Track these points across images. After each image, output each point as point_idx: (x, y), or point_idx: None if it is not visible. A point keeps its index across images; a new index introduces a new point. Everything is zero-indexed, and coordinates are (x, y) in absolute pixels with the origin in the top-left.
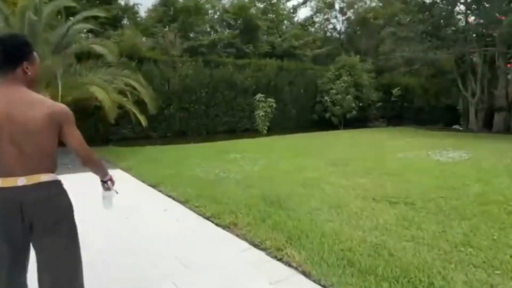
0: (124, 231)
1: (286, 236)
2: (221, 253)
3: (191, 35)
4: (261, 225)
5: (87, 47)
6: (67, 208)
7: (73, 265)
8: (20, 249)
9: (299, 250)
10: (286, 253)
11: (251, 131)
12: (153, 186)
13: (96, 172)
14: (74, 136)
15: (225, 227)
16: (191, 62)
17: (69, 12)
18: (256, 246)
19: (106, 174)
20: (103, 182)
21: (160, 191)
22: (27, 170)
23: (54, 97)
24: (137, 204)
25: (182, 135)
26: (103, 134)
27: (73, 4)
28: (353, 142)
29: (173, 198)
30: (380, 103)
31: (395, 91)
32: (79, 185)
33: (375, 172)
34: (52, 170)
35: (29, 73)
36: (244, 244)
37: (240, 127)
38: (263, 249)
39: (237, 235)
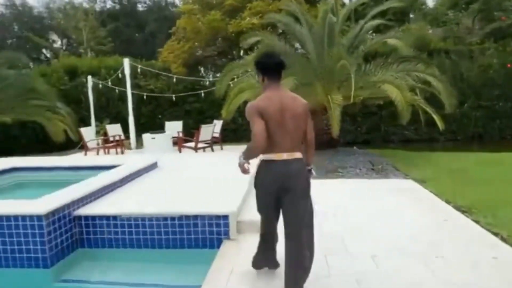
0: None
1: None
2: None
3: (496, 14)
4: None
5: (376, 44)
6: (309, 182)
7: (312, 228)
8: (277, 205)
9: None
10: None
11: None
12: (463, 211)
13: (309, 158)
14: (311, 125)
15: None
16: (496, 49)
17: (358, 15)
18: None
19: (311, 163)
20: (308, 170)
21: (476, 221)
22: (290, 147)
23: (346, 98)
24: (439, 239)
25: (476, 139)
26: (384, 134)
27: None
28: None
29: (501, 237)
30: None
31: None
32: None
33: None
34: (301, 150)
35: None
36: None
37: None
38: None
39: None
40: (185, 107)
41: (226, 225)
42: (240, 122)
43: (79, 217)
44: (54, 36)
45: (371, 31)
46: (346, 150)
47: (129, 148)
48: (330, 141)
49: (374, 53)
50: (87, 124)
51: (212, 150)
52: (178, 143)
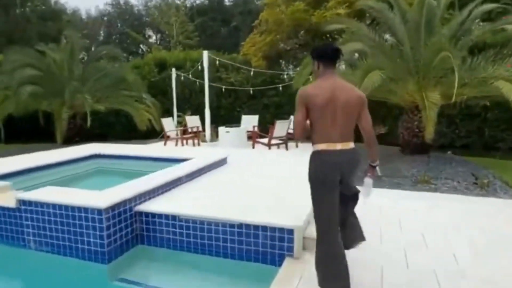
0: None
1: None
2: None
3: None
4: None
5: (486, 34)
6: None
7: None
8: (334, 195)
9: None
10: None
11: None
12: None
13: (371, 152)
14: (368, 117)
15: None
16: None
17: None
18: None
19: (377, 159)
20: (372, 166)
21: None
22: (342, 138)
23: (445, 97)
24: None
25: None
26: (488, 140)
27: None
28: None
29: None
30: None
31: None
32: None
33: None
34: (353, 140)
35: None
36: None
37: None
38: None
39: None
40: (263, 101)
41: (291, 240)
42: None
43: (140, 213)
44: (150, 32)
45: (478, 19)
46: (440, 157)
47: (204, 141)
48: (421, 145)
49: (482, 45)
50: (172, 114)
51: (286, 147)
52: (252, 138)
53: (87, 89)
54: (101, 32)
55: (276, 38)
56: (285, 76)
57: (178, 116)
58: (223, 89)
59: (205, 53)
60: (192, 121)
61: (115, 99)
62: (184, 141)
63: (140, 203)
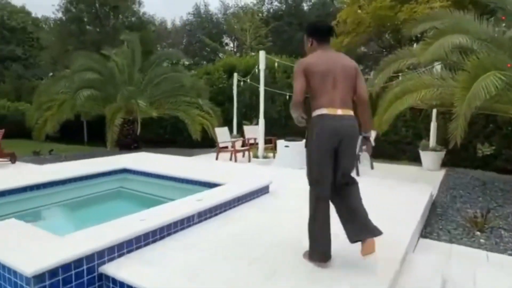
0: None
1: None
2: None
3: None
4: None
5: None
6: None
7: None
8: (332, 161)
9: None
10: None
11: None
12: None
13: (364, 121)
14: (364, 85)
15: None
16: None
17: None
18: None
19: (370, 128)
20: (366, 138)
21: None
22: (342, 104)
23: None
24: None
25: None
26: None
27: None
28: None
29: None
30: None
31: None
32: None
33: None
34: (352, 108)
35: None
36: None
37: None
38: None
39: None
40: None
41: None
42: (404, 133)
43: (108, 278)
44: (227, 40)
45: None
46: None
47: (256, 156)
48: None
49: None
50: (232, 123)
51: (358, 172)
52: None
53: (146, 94)
54: (184, 41)
55: (354, 40)
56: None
57: (244, 124)
58: (287, 97)
59: (262, 53)
60: (251, 131)
61: (172, 105)
62: (234, 155)
63: (112, 258)
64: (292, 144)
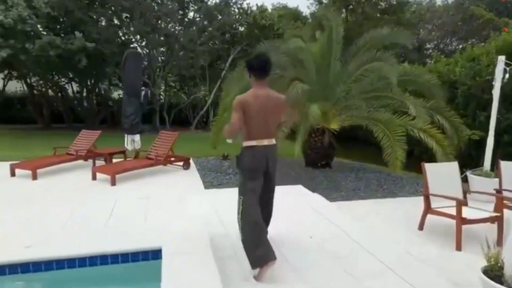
0: None
1: None
2: None
3: None
4: None
5: None
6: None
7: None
8: (261, 180)
9: None
10: None
11: None
12: None
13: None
14: (289, 112)
15: None
16: None
17: None
18: None
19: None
20: None
21: None
22: (267, 135)
23: None
24: None
25: None
26: None
27: None
28: None
29: None
30: None
31: None
32: None
33: None
34: (276, 136)
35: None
36: None
37: None
38: None
39: None
40: None
41: None
42: None
43: None
44: None
45: None
46: None
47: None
48: None
49: None
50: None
51: None
52: None
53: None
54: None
55: None
56: None
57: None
58: None
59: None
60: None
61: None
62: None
63: None
64: None
